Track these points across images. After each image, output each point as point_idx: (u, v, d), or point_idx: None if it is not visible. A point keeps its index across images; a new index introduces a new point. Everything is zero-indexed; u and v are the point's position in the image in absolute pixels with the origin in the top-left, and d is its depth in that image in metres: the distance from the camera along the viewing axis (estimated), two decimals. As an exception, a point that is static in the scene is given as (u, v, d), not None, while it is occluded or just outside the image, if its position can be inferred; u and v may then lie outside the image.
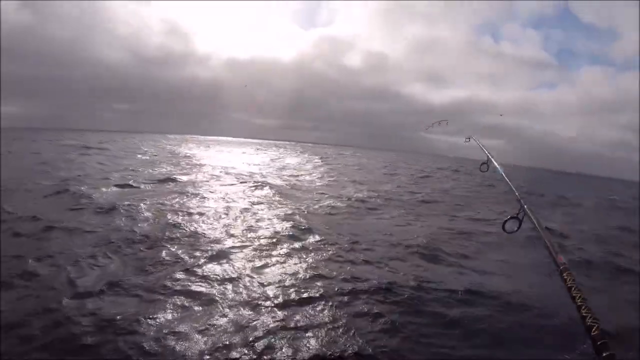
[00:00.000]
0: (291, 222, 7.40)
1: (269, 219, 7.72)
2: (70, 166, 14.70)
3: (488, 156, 2.57)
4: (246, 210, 8.51)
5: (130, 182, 11.12)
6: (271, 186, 12.23)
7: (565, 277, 1.06)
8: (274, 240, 6.31)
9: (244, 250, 5.72)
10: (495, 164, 2.42)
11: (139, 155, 22.72)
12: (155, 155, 23.60)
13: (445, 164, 42.77)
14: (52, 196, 8.79)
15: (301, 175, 18.01)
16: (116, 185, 10.55)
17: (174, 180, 12.41)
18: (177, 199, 9.12)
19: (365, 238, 6.73)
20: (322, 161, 30.21)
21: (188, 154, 26.76)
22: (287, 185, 13.79)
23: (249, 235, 6.48)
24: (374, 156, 42.69)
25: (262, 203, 9.53)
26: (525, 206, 1.57)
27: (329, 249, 5.99)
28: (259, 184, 12.50)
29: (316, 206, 9.76)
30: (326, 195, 11.65)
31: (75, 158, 18.21)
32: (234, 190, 11.24)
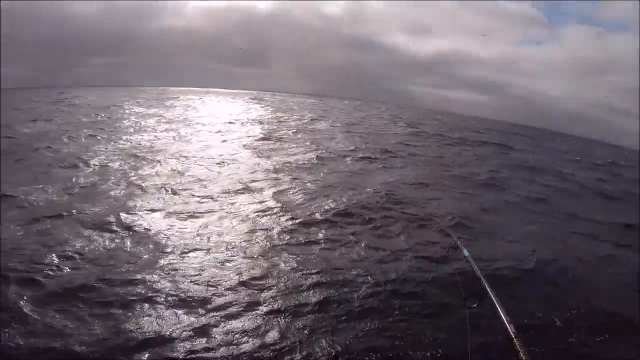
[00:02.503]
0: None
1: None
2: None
3: (456, 241, 2.78)
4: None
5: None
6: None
7: (517, 346, 1.20)
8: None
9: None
10: (462, 248, 2.54)
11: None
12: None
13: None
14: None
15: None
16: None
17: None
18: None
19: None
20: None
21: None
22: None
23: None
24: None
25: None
26: (486, 285, 1.73)
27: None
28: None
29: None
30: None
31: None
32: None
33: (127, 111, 19.97)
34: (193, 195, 6.74)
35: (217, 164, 9.31)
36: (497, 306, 1.43)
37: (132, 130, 13.79)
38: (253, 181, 7.85)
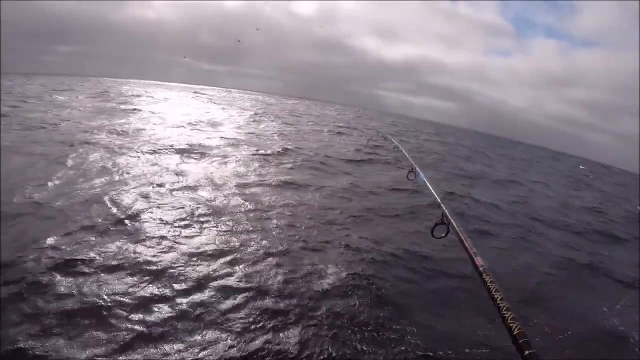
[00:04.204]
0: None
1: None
2: None
3: (413, 165, 2.81)
4: None
5: None
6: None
7: (485, 278, 1.12)
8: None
9: None
10: (420, 172, 2.60)
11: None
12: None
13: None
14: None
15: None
16: None
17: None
18: None
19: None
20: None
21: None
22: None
23: None
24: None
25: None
26: (447, 213, 1.67)
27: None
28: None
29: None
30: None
31: None
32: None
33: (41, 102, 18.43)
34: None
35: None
36: (462, 237, 1.39)
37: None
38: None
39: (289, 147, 12.23)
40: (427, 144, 23.23)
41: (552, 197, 12.15)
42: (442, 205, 1.77)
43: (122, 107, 18.98)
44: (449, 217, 1.63)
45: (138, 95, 29.09)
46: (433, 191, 2.04)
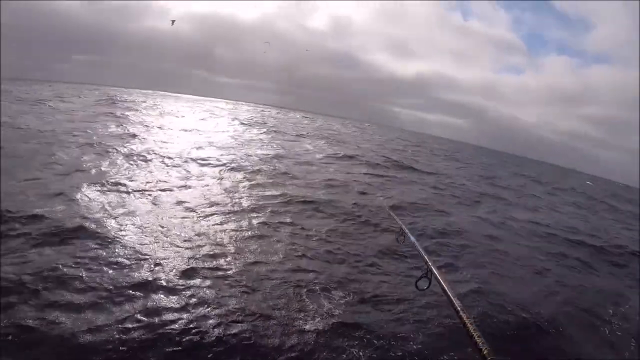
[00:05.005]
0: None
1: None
2: None
3: (402, 227, 2.92)
4: None
5: None
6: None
7: (469, 327, 1.26)
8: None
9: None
10: (409, 234, 2.70)
11: None
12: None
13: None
14: None
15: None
16: None
17: None
18: None
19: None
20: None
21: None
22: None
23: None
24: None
25: None
26: (432, 267, 1.82)
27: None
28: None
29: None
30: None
31: None
32: None
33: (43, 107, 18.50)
34: None
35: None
36: (443, 284, 1.60)
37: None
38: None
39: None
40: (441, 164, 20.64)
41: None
42: (428, 261, 1.91)
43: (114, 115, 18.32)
44: (434, 270, 1.79)
45: (132, 109, 25.03)
46: (420, 250, 2.19)
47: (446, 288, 1.55)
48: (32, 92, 27.87)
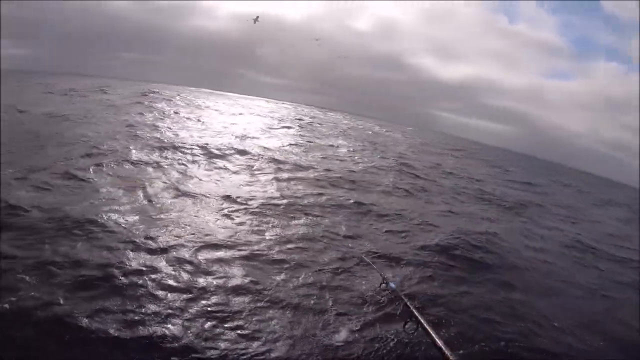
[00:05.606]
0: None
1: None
2: None
3: (383, 276, 2.99)
4: None
5: None
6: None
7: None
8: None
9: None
10: (392, 284, 2.84)
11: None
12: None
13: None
14: None
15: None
16: None
17: None
18: None
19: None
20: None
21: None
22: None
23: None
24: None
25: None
26: (419, 316, 1.96)
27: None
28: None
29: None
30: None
31: None
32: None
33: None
34: None
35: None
36: (427, 326, 1.80)
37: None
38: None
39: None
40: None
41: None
42: (413, 309, 2.07)
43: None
44: (418, 316, 1.97)
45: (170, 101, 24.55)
46: (403, 298, 2.33)
47: (430, 332, 1.75)
48: (83, 85, 28.22)
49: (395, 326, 3.38)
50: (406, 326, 2.02)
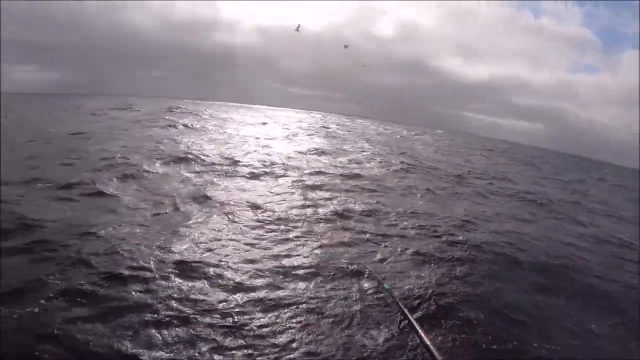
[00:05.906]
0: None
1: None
2: None
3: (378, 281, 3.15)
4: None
5: None
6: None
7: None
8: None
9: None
10: (386, 286, 2.91)
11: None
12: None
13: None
14: None
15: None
16: None
17: None
18: None
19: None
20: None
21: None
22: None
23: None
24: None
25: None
26: (412, 319, 2.04)
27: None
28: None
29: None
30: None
31: None
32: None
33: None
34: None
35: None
36: (419, 331, 1.81)
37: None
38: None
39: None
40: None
41: None
42: (407, 314, 2.14)
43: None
44: (412, 320, 2.00)
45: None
46: (399, 303, 2.43)
47: (423, 337, 1.77)
48: (108, 104, 28.58)
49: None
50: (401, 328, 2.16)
